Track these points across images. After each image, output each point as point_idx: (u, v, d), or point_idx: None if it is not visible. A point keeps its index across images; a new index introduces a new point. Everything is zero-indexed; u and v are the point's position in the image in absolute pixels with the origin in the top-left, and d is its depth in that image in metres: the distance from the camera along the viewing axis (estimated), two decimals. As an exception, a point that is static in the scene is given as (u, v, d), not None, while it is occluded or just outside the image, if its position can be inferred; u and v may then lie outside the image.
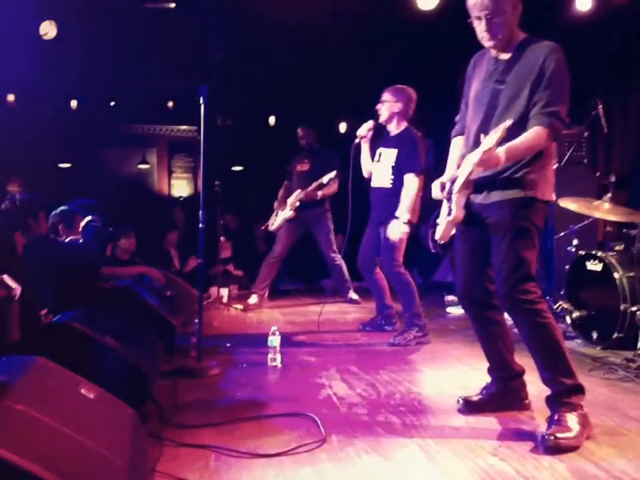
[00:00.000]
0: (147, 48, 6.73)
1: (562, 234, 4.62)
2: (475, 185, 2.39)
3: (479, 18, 2.29)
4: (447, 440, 2.25)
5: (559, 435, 2.11)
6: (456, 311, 5.50)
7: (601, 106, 4.06)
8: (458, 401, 2.59)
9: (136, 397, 2.25)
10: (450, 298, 6.03)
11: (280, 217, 5.92)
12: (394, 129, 4.18)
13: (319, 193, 5.78)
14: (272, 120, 9.45)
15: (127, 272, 4.23)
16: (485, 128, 2.32)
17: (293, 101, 8.15)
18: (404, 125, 4.16)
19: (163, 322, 3.58)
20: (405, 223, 3.93)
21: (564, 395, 2.25)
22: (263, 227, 6.23)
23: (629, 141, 5.98)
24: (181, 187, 10.24)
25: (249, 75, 7.62)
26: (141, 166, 10.00)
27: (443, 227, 2.48)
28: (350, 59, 6.97)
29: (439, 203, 2.58)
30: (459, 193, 2.38)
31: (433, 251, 2.80)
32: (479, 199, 2.41)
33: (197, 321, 3.38)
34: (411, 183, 3.98)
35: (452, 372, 3.32)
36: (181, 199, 10.06)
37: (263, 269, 5.89)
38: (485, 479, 1.92)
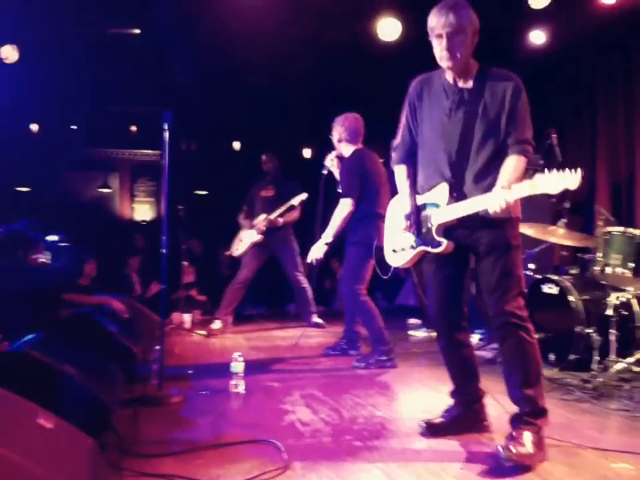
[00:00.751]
0: (110, 72, 6.71)
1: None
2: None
3: (439, 36, 2.34)
4: (409, 463, 2.26)
5: (512, 449, 2.16)
6: (418, 334, 5.56)
7: (554, 135, 4.21)
8: (420, 424, 2.61)
9: (95, 426, 2.20)
10: (412, 321, 6.10)
11: (245, 242, 5.92)
12: (346, 155, 4.31)
13: (281, 220, 5.83)
14: (237, 145, 9.49)
15: (87, 300, 4.16)
16: (460, 159, 2.39)
17: (258, 127, 8.21)
18: (352, 149, 4.27)
19: (123, 349, 3.52)
20: (325, 244, 4.12)
21: (530, 416, 2.30)
22: (227, 253, 6.21)
23: (582, 168, 6.18)
24: (143, 211, 10.14)
25: (213, 100, 7.65)
26: (103, 190, 9.88)
27: (411, 256, 2.54)
28: (314, 86, 7.09)
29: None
30: (443, 226, 2.43)
31: (384, 277, 2.88)
32: (462, 225, 2.43)
33: (158, 347, 3.34)
34: (341, 206, 4.12)
35: (414, 395, 3.35)
36: (144, 223, 9.95)
37: (227, 294, 5.85)
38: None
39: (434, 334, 5.54)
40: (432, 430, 2.58)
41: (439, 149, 2.47)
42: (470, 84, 2.43)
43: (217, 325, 5.74)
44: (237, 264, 6.11)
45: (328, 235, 4.14)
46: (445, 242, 2.42)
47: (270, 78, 6.94)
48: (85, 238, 6.37)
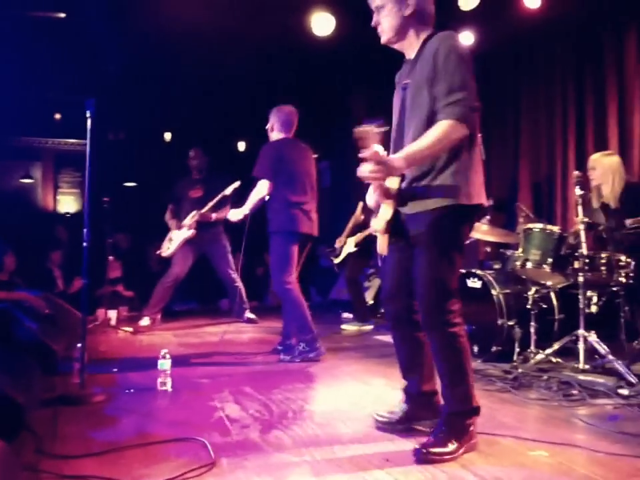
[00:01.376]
0: (33, 57, 6.40)
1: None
2: (400, 196, 2.26)
3: (373, 11, 2.30)
4: (336, 457, 2.27)
5: (432, 450, 2.17)
6: (351, 327, 5.62)
7: (479, 134, 4.33)
8: (374, 417, 2.57)
9: (8, 427, 2.09)
10: (345, 315, 6.16)
11: (176, 241, 5.78)
12: None
13: (213, 216, 5.73)
14: (168, 136, 9.27)
15: (5, 296, 3.96)
16: (398, 136, 2.29)
17: (191, 118, 8.05)
18: (280, 137, 4.31)
19: (42, 347, 3.37)
20: (238, 214, 4.25)
21: (456, 416, 2.29)
22: (157, 253, 6.02)
23: (505, 167, 6.44)
24: (67, 203, 9.74)
25: (144, 89, 7.44)
26: (24, 180, 9.42)
27: (379, 240, 2.39)
28: (249, 79, 7.01)
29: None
30: (381, 203, 2.30)
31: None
32: (405, 209, 2.31)
33: (80, 345, 3.21)
34: (258, 186, 4.16)
35: (345, 388, 3.38)
36: (68, 215, 9.56)
37: (158, 291, 5.71)
38: (371, 493, 1.96)
39: (365, 327, 5.67)
40: (385, 424, 2.53)
41: (392, 128, 2.37)
42: (413, 56, 2.31)
43: (145, 322, 5.60)
44: (167, 260, 5.97)
45: (245, 209, 4.22)
46: (373, 220, 2.39)
47: (204, 69, 6.82)
48: (4, 230, 6.06)
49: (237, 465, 2.18)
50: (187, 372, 3.71)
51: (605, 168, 4.14)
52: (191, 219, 5.73)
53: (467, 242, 4.55)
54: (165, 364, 3.29)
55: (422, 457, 2.17)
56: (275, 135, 4.29)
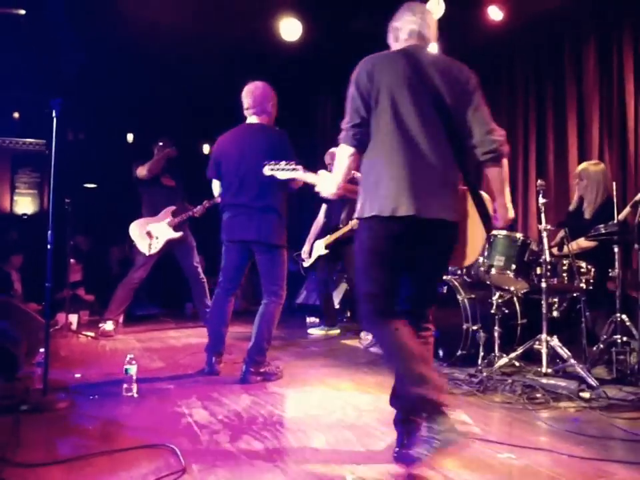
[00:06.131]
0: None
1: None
2: None
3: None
4: (308, 462, 2.27)
5: (409, 450, 2.15)
6: (318, 332, 5.62)
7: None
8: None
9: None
10: (311, 319, 6.17)
11: (161, 240, 5.62)
12: None
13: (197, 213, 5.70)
14: (130, 137, 9.12)
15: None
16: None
17: (155, 119, 7.93)
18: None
19: (1, 351, 3.26)
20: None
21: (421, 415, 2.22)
22: (145, 253, 5.64)
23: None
24: (25, 204, 9.45)
25: (106, 89, 7.30)
26: (-21, 180, 9.11)
27: None
28: (215, 81, 6.96)
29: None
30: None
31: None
32: None
33: (42, 350, 3.12)
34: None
35: (313, 393, 3.38)
36: (25, 217, 9.29)
37: (119, 293, 5.58)
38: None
39: (332, 332, 5.68)
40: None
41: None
42: None
43: (109, 326, 5.47)
44: (128, 262, 5.85)
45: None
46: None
47: (168, 70, 6.74)
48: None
49: (208, 472, 2.16)
50: (153, 378, 3.65)
51: (591, 180, 4.22)
52: (172, 217, 5.64)
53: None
54: (130, 369, 3.23)
55: (398, 457, 2.18)
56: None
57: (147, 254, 5.59)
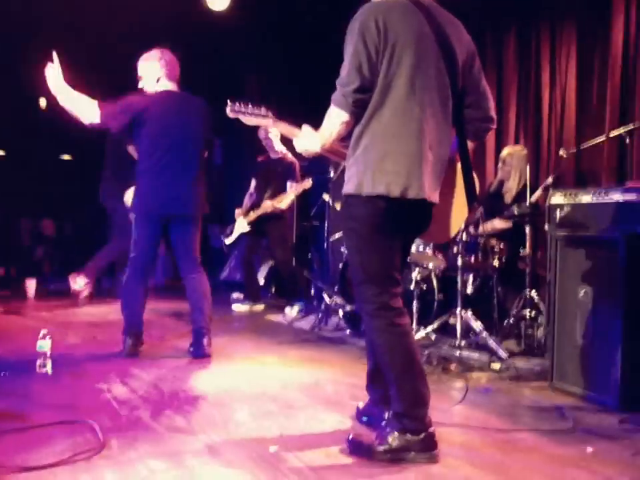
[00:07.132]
0: None
1: (337, 235, 5.00)
2: None
3: None
4: (231, 433, 2.29)
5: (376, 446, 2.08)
6: (242, 308, 5.60)
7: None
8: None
9: None
10: (236, 295, 6.14)
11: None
12: None
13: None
14: (43, 102, 8.61)
15: None
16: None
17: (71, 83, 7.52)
18: None
19: None
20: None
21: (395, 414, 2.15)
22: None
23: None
24: None
25: (16, 51, 6.84)
26: None
27: None
28: (137, 50, 6.67)
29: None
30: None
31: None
32: None
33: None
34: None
35: (237, 367, 3.38)
36: None
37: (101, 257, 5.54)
38: (263, 466, 1.98)
39: (257, 307, 5.67)
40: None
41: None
42: None
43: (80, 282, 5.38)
44: (39, 234, 5.59)
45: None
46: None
47: (89, 35, 6.40)
48: None
49: (128, 446, 2.13)
50: (69, 354, 3.52)
51: (515, 166, 4.34)
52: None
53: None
54: (44, 345, 3.09)
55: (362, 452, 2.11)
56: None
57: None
